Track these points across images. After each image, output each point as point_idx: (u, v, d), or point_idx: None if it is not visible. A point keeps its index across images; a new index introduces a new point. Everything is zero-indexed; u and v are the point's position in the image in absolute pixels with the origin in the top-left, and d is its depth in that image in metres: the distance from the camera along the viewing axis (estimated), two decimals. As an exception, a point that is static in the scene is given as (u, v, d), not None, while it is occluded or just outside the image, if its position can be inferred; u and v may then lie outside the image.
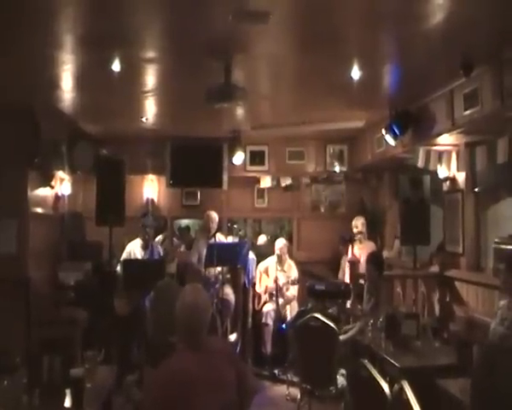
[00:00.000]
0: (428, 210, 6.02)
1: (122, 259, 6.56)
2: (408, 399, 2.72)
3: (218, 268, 6.58)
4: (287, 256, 7.22)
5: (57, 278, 6.16)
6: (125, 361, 5.56)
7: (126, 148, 7.14)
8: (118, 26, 3.54)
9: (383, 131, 5.57)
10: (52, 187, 6.33)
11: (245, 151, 7.47)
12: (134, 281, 5.83)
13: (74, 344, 4.98)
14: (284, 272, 7.08)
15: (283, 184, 7.91)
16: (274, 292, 6.90)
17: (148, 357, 3.29)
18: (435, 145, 5.53)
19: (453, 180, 5.64)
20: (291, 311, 6.84)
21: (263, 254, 7.46)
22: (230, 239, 7.37)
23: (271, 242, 7.66)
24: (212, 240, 6.60)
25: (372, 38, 3.80)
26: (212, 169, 7.20)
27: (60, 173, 6.50)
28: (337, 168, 7.77)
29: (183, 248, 7.51)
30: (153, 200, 7.88)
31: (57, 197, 6.56)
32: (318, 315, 4.85)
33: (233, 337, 6.79)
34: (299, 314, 5.47)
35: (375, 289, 5.45)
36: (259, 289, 7.13)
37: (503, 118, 4.23)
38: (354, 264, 6.23)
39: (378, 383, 3.08)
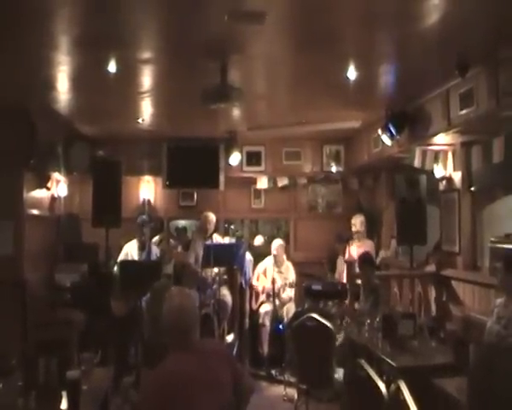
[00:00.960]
0: (425, 210, 6.03)
1: (119, 260, 6.54)
2: (405, 398, 2.73)
3: (215, 269, 6.58)
4: (284, 257, 7.22)
5: (53, 279, 6.14)
6: (122, 363, 5.56)
7: (123, 149, 7.14)
8: (114, 27, 3.54)
9: (379, 132, 5.58)
10: (48, 188, 6.31)
11: (241, 152, 7.47)
12: (131, 282, 5.81)
13: (71, 346, 4.95)
14: (281, 273, 7.08)
15: (280, 185, 7.91)
16: (271, 293, 6.89)
17: (144, 358, 3.29)
18: (431, 145, 5.54)
19: (449, 180, 5.65)
20: (288, 312, 6.84)
21: (260, 254, 7.46)
22: (227, 240, 7.36)
23: (268, 242, 7.65)
24: (209, 241, 6.59)
25: (368, 38, 3.80)
26: (209, 170, 7.20)
27: (56, 175, 6.48)
28: (334, 168, 7.78)
29: (179, 249, 7.49)
30: (149, 201, 7.87)
31: (53, 199, 6.54)
32: (315, 315, 4.86)
33: (230, 338, 6.78)
34: (296, 315, 5.46)
35: (371, 289, 5.46)
36: (256, 283, 7.12)
37: (498, 117, 4.24)
38: (351, 264, 6.23)
39: (375, 382, 3.08)
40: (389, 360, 3.94)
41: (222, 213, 7.88)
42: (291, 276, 7.10)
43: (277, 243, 7.19)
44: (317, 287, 6.33)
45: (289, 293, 7.03)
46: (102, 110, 5.95)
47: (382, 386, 3.20)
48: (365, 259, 5.71)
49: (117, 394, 3.44)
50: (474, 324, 4.80)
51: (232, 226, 8.21)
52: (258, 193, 8.12)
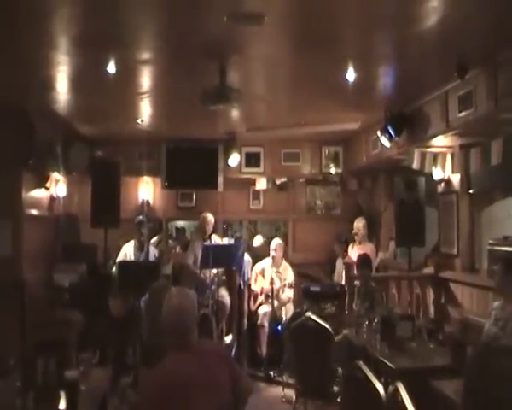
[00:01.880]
0: (423, 212, 6.04)
1: (117, 260, 6.54)
2: (403, 400, 2.73)
3: (214, 270, 6.58)
4: (282, 257, 7.22)
5: (52, 279, 6.14)
6: (121, 363, 5.56)
7: (121, 149, 7.14)
8: (113, 28, 3.54)
9: (378, 133, 5.59)
10: (47, 188, 6.31)
11: (240, 153, 7.48)
12: (129, 283, 5.81)
13: (69, 346, 4.96)
14: (280, 273, 7.08)
15: (278, 182, 7.91)
16: (269, 294, 6.89)
17: (143, 358, 3.29)
18: (430, 147, 5.54)
19: (448, 182, 5.66)
20: (286, 312, 6.84)
21: (258, 255, 7.46)
22: (226, 241, 7.36)
23: (267, 243, 7.66)
24: (208, 242, 6.59)
25: (367, 39, 3.81)
26: (208, 171, 7.22)
27: (55, 175, 6.49)
28: (332, 170, 7.78)
29: (178, 250, 7.50)
30: (148, 201, 7.87)
31: (52, 199, 6.54)
32: (313, 316, 4.86)
33: (228, 339, 6.78)
34: (295, 316, 5.46)
35: (366, 292, 5.46)
36: (255, 286, 7.12)
37: (497, 120, 4.25)
38: (350, 266, 6.23)
39: (373, 384, 3.08)
40: (387, 362, 3.94)
41: (221, 213, 7.89)
42: (289, 276, 7.10)
43: (276, 242, 7.18)
44: (315, 288, 6.34)
45: (288, 293, 7.03)
46: (101, 111, 5.95)
47: (380, 388, 3.19)
48: (364, 261, 5.71)
49: (115, 394, 3.44)
50: (472, 326, 4.81)
51: (231, 227, 8.23)
52: (256, 194, 8.13)
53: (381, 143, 5.72)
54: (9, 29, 3.55)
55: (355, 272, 6.03)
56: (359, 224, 7.16)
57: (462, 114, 4.48)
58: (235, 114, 6.02)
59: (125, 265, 6.32)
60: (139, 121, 6.39)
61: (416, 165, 5.79)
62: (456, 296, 5.40)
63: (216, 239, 7.03)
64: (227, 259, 6.52)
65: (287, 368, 5.95)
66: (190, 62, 4.22)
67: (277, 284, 6.95)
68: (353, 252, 7.08)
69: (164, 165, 7.34)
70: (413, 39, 3.72)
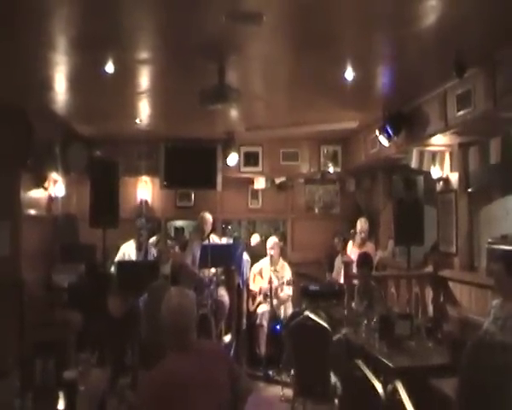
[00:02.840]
0: (422, 210, 6.04)
1: (116, 260, 6.54)
2: (401, 399, 2.74)
3: (213, 269, 6.58)
4: (279, 256, 7.21)
5: (51, 279, 6.14)
6: (119, 363, 5.56)
7: (120, 149, 7.14)
8: (111, 28, 3.53)
9: (377, 132, 5.59)
10: (45, 189, 6.30)
11: (239, 152, 7.48)
12: (128, 282, 5.81)
13: (68, 346, 4.95)
14: (277, 272, 7.08)
15: (277, 182, 7.92)
16: (268, 293, 6.89)
17: (142, 359, 3.29)
18: (429, 146, 5.55)
19: (446, 181, 5.66)
20: (285, 312, 6.84)
21: (256, 254, 7.46)
22: (224, 240, 7.36)
23: (265, 242, 7.65)
24: (206, 241, 6.59)
25: (365, 39, 3.81)
26: (206, 170, 7.21)
27: (53, 175, 6.48)
28: (331, 169, 7.78)
29: (176, 249, 7.49)
30: (147, 201, 7.87)
31: (50, 199, 6.53)
32: (312, 315, 4.86)
33: (227, 338, 6.78)
34: (293, 315, 5.46)
35: (366, 290, 5.46)
36: (253, 286, 7.12)
37: (495, 119, 4.25)
38: (349, 265, 6.23)
39: (372, 383, 3.09)
40: (386, 361, 3.94)
41: (219, 213, 7.89)
42: (287, 274, 7.10)
43: (272, 241, 7.17)
44: (314, 287, 6.34)
45: (287, 291, 7.03)
46: (100, 111, 5.94)
47: (379, 386, 3.20)
48: (364, 260, 5.70)
49: (114, 394, 3.44)
50: (471, 324, 4.81)
51: (229, 227, 8.23)
52: (255, 193, 8.13)
53: (380, 142, 5.72)
54: (8, 29, 3.54)
55: (354, 270, 6.03)
56: (364, 225, 7.12)
57: (461, 112, 4.48)
58: (233, 113, 6.02)
59: (123, 265, 6.32)
60: (138, 121, 6.39)
61: (414, 164, 5.79)
62: (455, 295, 5.40)
63: (214, 239, 7.02)
64: (226, 258, 6.52)
65: (286, 367, 5.95)
66: (189, 62, 4.22)
67: (275, 283, 6.95)
68: (353, 251, 7.08)
69: (162, 164, 7.34)
70: (411, 38, 3.73)
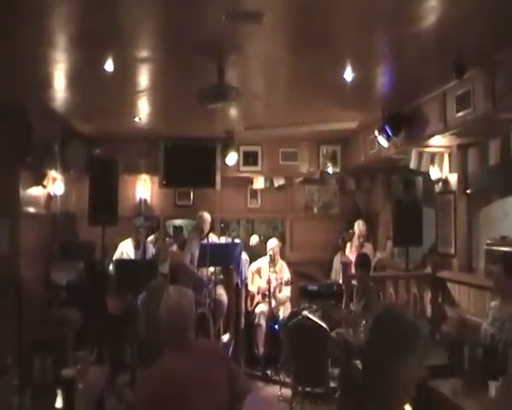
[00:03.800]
0: (421, 211, 6.04)
1: (114, 259, 6.54)
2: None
3: (211, 269, 6.58)
4: (279, 257, 7.22)
5: (49, 277, 6.13)
6: (118, 361, 5.56)
7: (119, 147, 7.13)
8: (111, 25, 3.53)
9: (376, 133, 5.59)
10: (44, 186, 6.30)
11: (238, 152, 7.47)
12: (126, 281, 5.81)
13: (66, 344, 4.96)
14: (276, 272, 7.08)
15: (276, 185, 7.92)
16: (266, 293, 6.90)
17: (140, 357, 3.29)
18: (428, 147, 5.55)
19: (445, 182, 5.66)
20: (284, 311, 6.85)
21: (255, 254, 7.46)
22: (223, 240, 7.36)
23: (264, 242, 7.66)
24: (205, 240, 6.59)
25: (365, 39, 3.81)
26: (206, 169, 7.19)
27: (52, 173, 6.47)
28: (330, 169, 7.78)
29: (175, 248, 7.50)
30: (146, 200, 7.86)
31: (49, 197, 6.53)
32: (310, 315, 4.87)
33: (226, 338, 6.79)
34: (292, 315, 5.47)
35: (364, 291, 5.46)
36: (251, 287, 7.12)
37: (494, 120, 4.25)
38: (347, 265, 6.24)
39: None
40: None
41: (218, 212, 7.88)
42: (285, 275, 7.11)
43: (274, 243, 7.18)
44: (312, 287, 6.35)
45: (286, 292, 7.03)
46: (99, 109, 5.94)
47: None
48: (362, 261, 5.70)
49: (112, 392, 3.44)
50: (469, 326, 4.82)
51: (228, 226, 8.23)
52: (254, 193, 8.13)
53: (379, 143, 5.72)
54: (7, 27, 3.54)
55: (352, 271, 6.03)
56: (361, 228, 7.14)
57: (460, 113, 4.48)
58: (233, 112, 6.02)
59: (122, 263, 6.32)
60: (137, 119, 6.39)
61: (413, 164, 5.79)
62: (454, 296, 5.40)
63: (213, 238, 7.02)
64: (224, 258, 6.52)
65: (284, 367, 5.95)
66: (188, 61, 4.22)
67: (274, 283, 6.96)
68: (351, 252, 7.09)
69: (162, 163, 7.31)
70: (411, 39, 3.73)
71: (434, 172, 5.74)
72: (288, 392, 5.58)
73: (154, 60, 4.28)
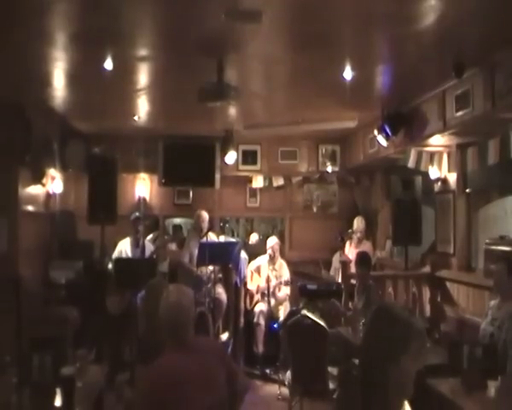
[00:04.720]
0: (420, 211, 6.04)
1: (114, 257, 6.53)
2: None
3: (210, 267, 6.57)
4: (278, 255, 7.22)
5: (48, 276, 6.13)
6: (117, 360, 5.56)
7: (118, 146, 7.12)
8: (110, 24, 3.53)
9: (375, 132, 5.59)
10: (43, 185, 6.29)
11: (237, 150, 7.47)
12: (126, 279, 5.81)
13: (65, 343, 4.95)
14: (276, 271, 7.09)
15: (275, 185, 7.92)
16: (266, 292, 6.90)
17: (139, 355, 3.29)
18: (427, 146, 5.55)
19: (444, 181, 5.66)
20: (283, 310, 6.85)
21: (255, 253, 7.46)
22: (222, 238, 7.36)
23: (263, 241, 7.66)
24: (204, 239, 6.58)
25: (365, 38, 3.81)
26: (205, 168, 7.20)
27: (51, 171, 6.46)
28: (329, 168, 7.78)
29: (174, 247, 7.50)
30: (145, 198, 7.85)
31: (48, 195, 6.52)
32: (309, 314, 4.87)
33: (225, 337, 6.78)
34: (291, 314, 5.47)
35: (364, 289, 5.46)
36: (251, 285, 7.12)
37: (493, 119, 4.25)
38: (346, 264, 6.24)
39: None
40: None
41: (217, 211, 7.88)
42: (285, 273, 7.11)
43: (273, 241, 7.18)
44: (312, 286, 6.35)
45: (285, 290, 7.03)
46: (98, 107, 5.94)
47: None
48: (362, 259, 5.69)
49: (111, 391, 3.44)
50: (468, 325, 4.83)
51: (227, 225, 8.23)
52: (253, 192, 8.12)
53: (378, 142, 5.72)
54: (7, 25, 3.53)
55: (351, 270, 6.03)
56: (360, 225, 7.14)
57: (459, 113, 4.48)
58: (232, 111, 6.02)
59: (121, 262, 6.31)
60: (136, 118, 6.38)
61: (412, 164, 5.80)
62: (453, 295, 5.41)
63: (212, 237, 7.02)
64: (223, 256, 6.52)
65: (283, 366, 5.95)
66: (188, 59, 4.22)
67: (273, 282, 6.96)
68: (350, 250, 7.09)
69: (161, 162, 7.33)
70: (411, 38, 3.73)
71: (433, 172, 5.74)
72: (286, 391, 5.58)
73: (153, 58, 4.28)
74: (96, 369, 3.68)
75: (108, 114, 6.29)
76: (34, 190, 6.06)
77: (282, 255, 7.45)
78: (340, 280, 6.62)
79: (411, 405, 2.05)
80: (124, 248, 6.67)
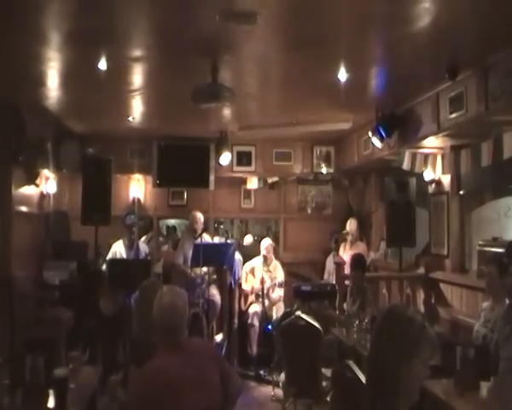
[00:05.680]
0: (414, 212, 6.06)
1: (108, 258, 6.52)
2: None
3: (204, 268, 6.57)
4: (272, 256, 7.23)
5: (42, 277, 6.10)
6: (110, 361, 5.54)
7: (113, 147, 7.11)
8: (105, 24, 3.52)
9: (370, 134, 5.60)
10: (37, 185, 6.26)
11: (232, 152, 7.46)
12: (119, 280, 5.78)
13: (58, 344, 4.92)
14: (270, 272, 7.09)
15: (270, 181, 7.92)
16: (260, 293, 6.90)
17: (133, 357, 3.28)
18: (421, 148, 5.57)
19: (438, 183, 5.68)
20: (277, 312, 6.85)
21: (249, 254, 7.46)
22: (217, 239, 7.36)
23: (258, 242, 7.66)
24: (199, 240, 6.58)
25: (359, 40, 3.82)
26: (199, 169, 7.20)
27: (45, 172, 6.44)
28: (324, 170, 7.79)
29: (168, 248, 7.49)
30: (139, 199, 7.84)
31: (42, 196, 6.50)
32: (303, 315, 4.87)
33: (219, 338, 6.78)
34: (285, 315, 5.47)
35: (359, 291, 5.47)
36: (245, 286, 7.12)
37: (487, 122, 4.27)
38: (340, 266, 6.25)
39: (363, 383, 3.09)
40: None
41: (212, 212, 7.87)
42: (279, 275, 7.11)
43: (267, 243, 7.19)
44: (306, 288, 6.35)
45: (279, 292, 7.04)
46: (93, 107, 5.92)
47: (370, 387, 3.19)
48: (357, 261, 5.69)
49: (104, 392, 3.43)
50: (462, 326, 4.84)
51: (222, 226, 8.22)
52: (248, 193, 8.12)
53: (373, 144, 5.73)
54: (0, 24, 3.52)
55: (345, 272, 6.04)
56: (352, 226, 7.16)
57: (453, 115, 4.50)
58: (226, 112, 6.01)
59: (115, 263, 6.30)
60: (130, 119, 6.36)
61: (406, 166, 5.82)
62: (446, 297, 5.43)
63: (206, 238, 7.02)
64: (218, 258, 6.52)
65: (277, 367, 5.95)
66: (182, 60, 4.21)
67: (268, 283, 6.96)
68: (345, 252, 7.10)
69: (155, 163, 7.33)
70: (405, 40, 3.74)
71: (427, 174, 5.76)
72: (280, 392, 5.58)
73: (147, 59, 4.27)
74: (90, 370, 3.67)
75: (103, 114, 6.27)
76: (28, 190, 6.04)
77: (277, 257, 7.45)
78: (334, 282, 6.63)
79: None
80: (118, 249, 6.65)
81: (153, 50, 4.10)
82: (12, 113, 5.39)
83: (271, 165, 7.83)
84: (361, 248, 7.07)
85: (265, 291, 6.90)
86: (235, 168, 7.76)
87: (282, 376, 5.10)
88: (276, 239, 7.97)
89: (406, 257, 6.25)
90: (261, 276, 6.96)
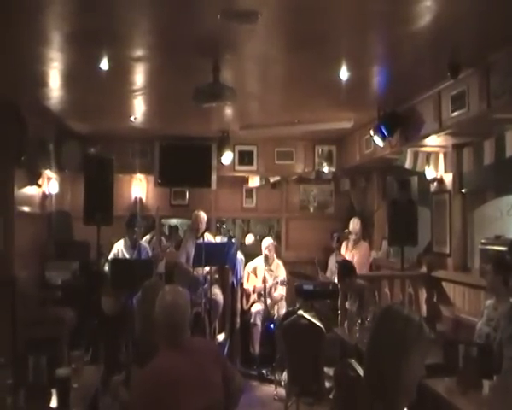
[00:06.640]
0: (416, 211, 6.05)
1: (110, 258, 6.52)
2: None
3: (207, 268, 6.57)
4: (274, 256, 7.23)
5: (44, 277, 6.12)
6: (113, 361, 5.55)
7: (115, 147, 7.11)
8: (106, 24, 3.52)
9: (371, 132, 5.60)
10: (39, 186, 6.28)
11: (233, 151, 7.46)
12: (122, 280, 5.80)
13: (61, 344, 4.95)
14: (272, 271, 7.09)
15: (271, 180, 7.91)
16: (262, 292, 6.90)
17: (135, 356, 3.28)
18: (423, 146, 5.56)
19: (440, 181, 5.67)
20: (279, 311, 6.85)
21: (251, 253, 7.47)
22: (219, 239, 7.36)
23: (259, 242, 7.66)
24: (201, 240, 6.58)
25: (361, 39, 3.81)
26: (201, 169, 7.21)
27: (47, 172, 6.45)
28: (326, 169, 7.78)
29: (170, 247, 7.49)
30: (141, 199, 7.85)
31: (44, 196, 6.51)
32: (306, 314, 4.87)
33: (221, 337, 6.79)
34: (287, 314, 5.47)
35: (357, 293, 5.45)
36: (247, 285, 7.12)
37: (489, 120, 4.26)
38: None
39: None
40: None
41: (213, 212, 7.88)
42: (281, 274, 7.11)
43: (268, 242, 7.19)
44: (308, 287, 6.35)
45: (281, 291, 7.04)
46: (94, 108, 5.92)
47: (372, 386, 3.19)
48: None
49: (107, 392, 3.43)
50: (464, 325, 4.84)
51: (224, 226, 8.22)
52: (249, 192, 8.12)
53: (374, 143, 5.73)
54: (2, 25, 3.53)
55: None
56: (356, 226, 7.15)
57: (455, 113, 4.49)
58: (228, 112, 6.01)
59: (117, 262, 6.31)
60: (132, 119, 6.37)
61: (408, 164, 5.81)
62: (449, 295, 5.42)
63: (209, 237, 7.02)
64: (220, 257, 6.52)
65: (279, 366, 5.95)
66: (184, 60, 4.22)
67: (270, 282, 6.96)
68: (348, 251, 7.10)
69: (157, 162, 7.34)
70: (406, 39, 3.73)
71: (429, 172, 5.75)
72: (283, 391, 5.58)
73: (149, 59, 4.27)
74: (92, 370, 3.68)
75: (104, 114, 6.28)
76: (30, 190, 6.06)
77: (279, 256, 7.45)
78: (336, 281, 6.62)
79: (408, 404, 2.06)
80: (120, 249, 6.66)
81: (154, 50, 4.10)
82: (14, 113, 5.41)
83: (273, 164, 7.82)
84: (364, 247, 7.07)
85: (267, 290, 6.90)
86: (237, 168, 7.76)
87: (285, 375, 5.10)
88: (278, 238, 7.97)
89: (408, 256, 6.23)
90: (263, 275, 6.96)
